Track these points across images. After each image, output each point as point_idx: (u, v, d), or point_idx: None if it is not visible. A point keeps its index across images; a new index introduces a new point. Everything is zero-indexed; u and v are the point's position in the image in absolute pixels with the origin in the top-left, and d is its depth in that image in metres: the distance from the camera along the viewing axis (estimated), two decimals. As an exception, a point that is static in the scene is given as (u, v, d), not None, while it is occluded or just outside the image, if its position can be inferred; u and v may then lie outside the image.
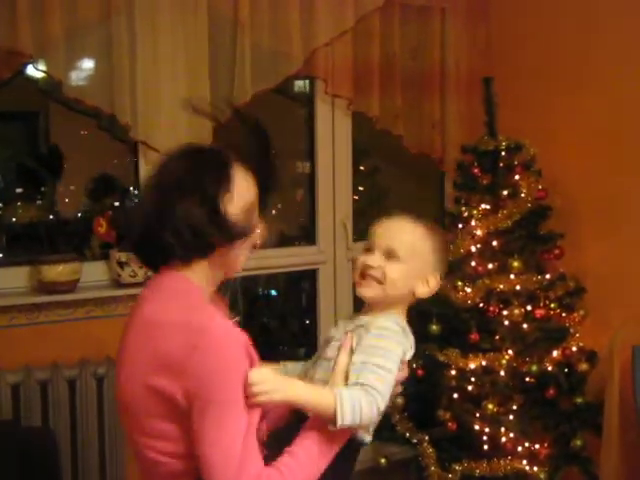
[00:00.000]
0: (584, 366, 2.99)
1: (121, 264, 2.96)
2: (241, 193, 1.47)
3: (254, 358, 1.40)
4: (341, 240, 3.59)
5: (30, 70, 2.90)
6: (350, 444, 1.50)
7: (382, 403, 1.42)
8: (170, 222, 1.40)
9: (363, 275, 1.57)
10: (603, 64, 3.07)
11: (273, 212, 4.29)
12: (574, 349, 3.00)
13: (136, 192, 3.22)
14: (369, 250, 1.58)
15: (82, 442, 2.89)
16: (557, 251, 3.08)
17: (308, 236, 3.71)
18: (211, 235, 1.42)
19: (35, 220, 3.44)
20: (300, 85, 3.71)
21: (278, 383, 1.37)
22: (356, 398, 1.38)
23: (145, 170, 3.06)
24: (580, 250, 3.17)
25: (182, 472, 1.39)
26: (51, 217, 3.53)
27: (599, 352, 2.99)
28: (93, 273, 3.06)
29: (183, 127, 2.98)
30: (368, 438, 1.55)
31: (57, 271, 2.88)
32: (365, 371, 1.43)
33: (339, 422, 1.37)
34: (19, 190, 3.61)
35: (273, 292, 4.85)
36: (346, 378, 1.46)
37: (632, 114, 2.98)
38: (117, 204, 3.24)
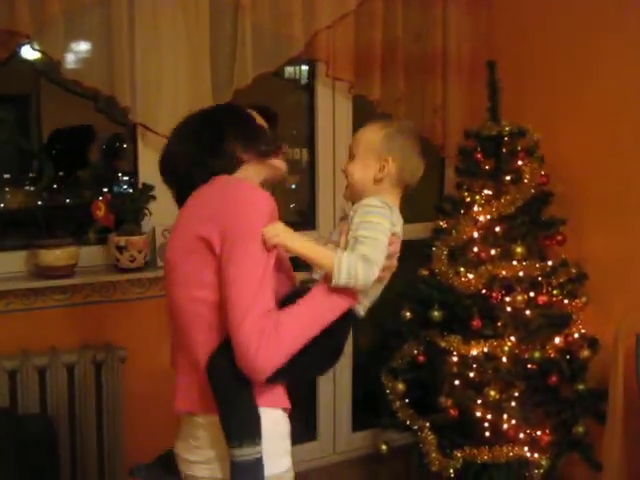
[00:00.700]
0: (586, 353, 2.98)
1: (120, 248, 2.91)
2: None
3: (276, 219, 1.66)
4: (341, 225, 3.55)
5: (24, 52, 2.84)
6: (345, 315, 1.68)
7: (376, 268, 1.61)
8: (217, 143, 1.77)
9: None
10: (608, 49, 3.04)
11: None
12: (576, 336, 2.99)
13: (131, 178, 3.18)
14: None
15: (81, 429, 2.87)
16: (559, 237, 3.07)
17: (307, 222, 3.67)
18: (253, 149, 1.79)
19: (30, 205, 3.39)
20: (290, 72, 3.68)
21: (290, 233, 1.63)
22: (352, 261, 1.59)
23: (144, 153, 3.02)
24: (582, 237, 3.15)
25: (218, 322, 1.62)
26: (46, 202, 3.48)
27: (600, 339, 2.98)
28: (91, 258, 3.01)
29: (183, 110, 2.91)
30: (362, 312, 1.74)
31: (54, 256, 2.83)
32: (357, 243, 1.62)
33: (335, 279, 1.59)
34: (7, 176, 3.56)
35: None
36: None
37: (636, 100, 2.96)
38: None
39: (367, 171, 1.74)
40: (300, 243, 1.63)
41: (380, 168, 1.72)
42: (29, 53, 2.84)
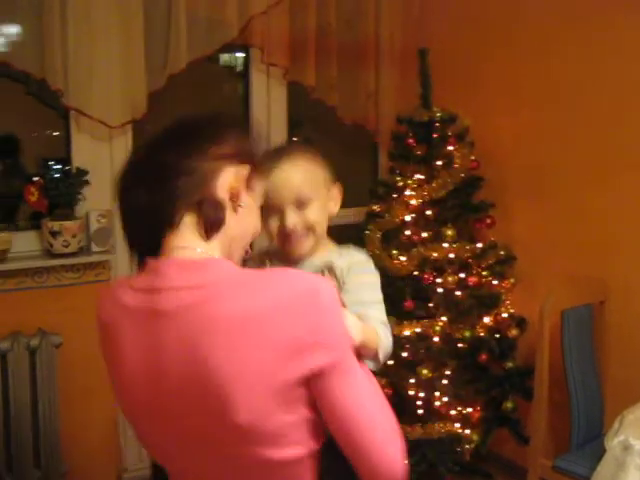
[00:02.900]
0: (514, 332, 3.09)
1: (53, 234, 2.89)
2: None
3: None
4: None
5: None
6: None
7: (390, 329, 1.54)
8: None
9: (287, 237, 1.56)
10: (534, 36, 3.14)
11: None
12: (505, 315, 3.09)
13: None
14: (276, 212, 1.55)
15: (15, 416, 2.83)
16: (488, 220, 3.15)
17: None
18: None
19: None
20: (226, 59, 3.68)
21: (358, 324, 1.37)
22: (382, 331, 1.49)
23: (78, 138, 2.99)
24: (510, 220, 3.25)
25: (305, 468, 1.26)
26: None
27: (528, 318, 3.09)
28: (24, 243, 2.98)
29: (117, 93, 2.92)
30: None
31: (-14, 241, 2.80)
32: (369, 309, 1.51)
33: (380, 356, 1.47)
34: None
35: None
36: None
37: (561, 89, 3.06)
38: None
39: (324, 211, 1.59)
40: (363, 330, 1.38)
41: (332, 199, 1.62)
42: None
